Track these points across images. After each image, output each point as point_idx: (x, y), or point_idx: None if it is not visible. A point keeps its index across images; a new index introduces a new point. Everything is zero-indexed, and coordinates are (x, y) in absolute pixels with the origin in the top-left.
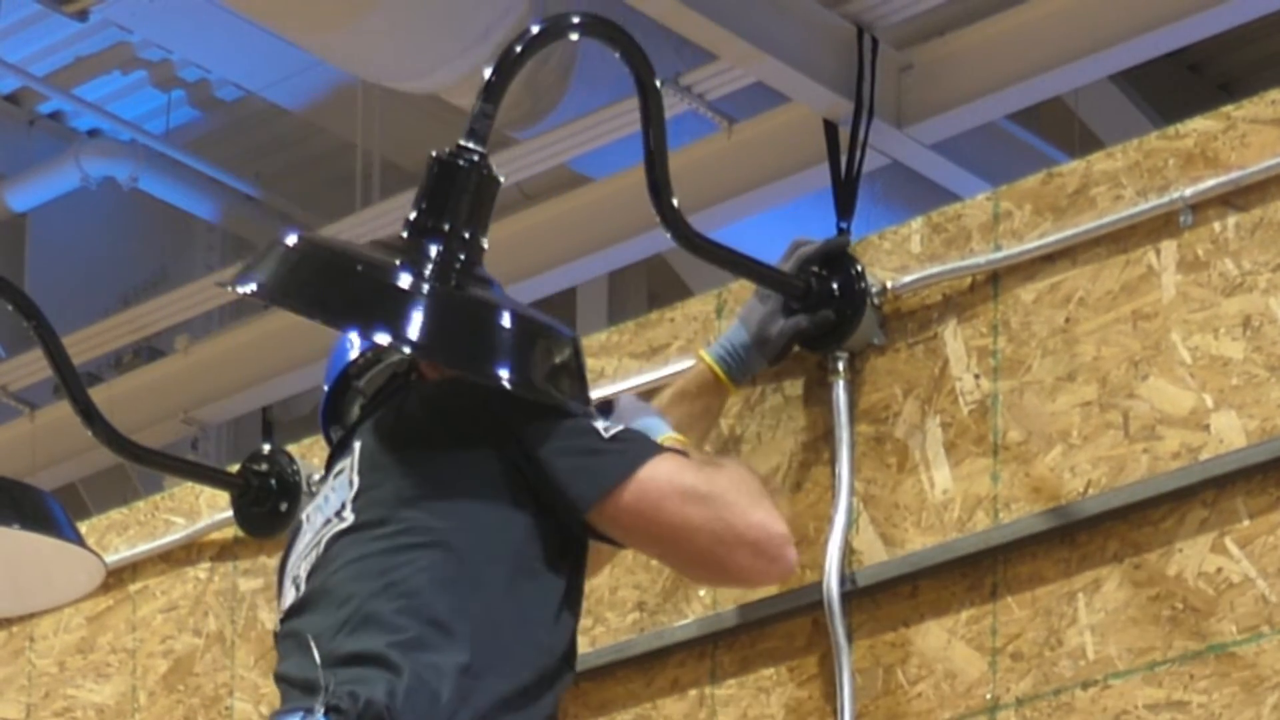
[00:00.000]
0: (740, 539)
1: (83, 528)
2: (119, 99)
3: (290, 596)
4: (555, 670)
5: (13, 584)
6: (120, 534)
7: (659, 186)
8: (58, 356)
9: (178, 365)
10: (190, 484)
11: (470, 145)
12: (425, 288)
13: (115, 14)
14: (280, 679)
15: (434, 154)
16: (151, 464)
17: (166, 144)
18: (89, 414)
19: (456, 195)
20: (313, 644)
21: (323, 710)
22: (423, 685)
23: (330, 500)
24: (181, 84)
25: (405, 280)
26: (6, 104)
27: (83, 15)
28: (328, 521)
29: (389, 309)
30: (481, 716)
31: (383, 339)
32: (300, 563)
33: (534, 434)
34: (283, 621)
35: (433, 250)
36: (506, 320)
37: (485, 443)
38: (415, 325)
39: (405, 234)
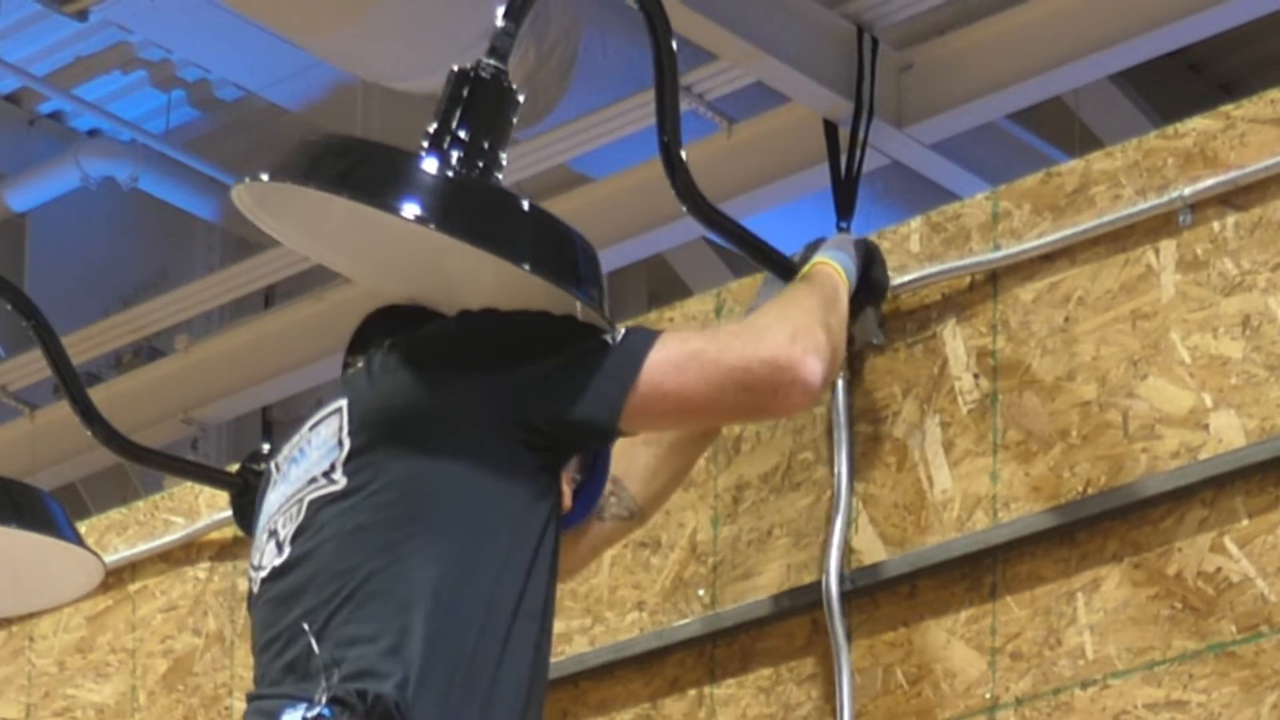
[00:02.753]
0: (756, 378)
1: (83, 528)
2: (119, 99)
3: (271, 555)
4: (546, 636)
5: (13, 584)
6: (120, 534)
7: (670, 148)
8: (58, 356)
9: (178, 365)
10: (190, 484)
11: (490, 61)
12: (451, 172)
13: (115, 14)
14: (265, 653)
15: (455, 67)
16: (151, 464)
17: (166, 144)
18: (89, 414)
19: (475, 106)
20: (307, 626)
21: (325, 701)
22: (434, 672)
23: (311, 456)
24: (181, 84)
25: (431, 164)
26: (6, 104)
27: (83, 15)
28: (313, 481)
29: (414, 186)
30: (491, 700)
31: (410, 212)
32: (279, 517)
33: (534, 370)
34: (264, 582)
35: (453, 154)
36: (531, 212)
37: (476, 393)
38: (441, 202)
39: (425, 144)
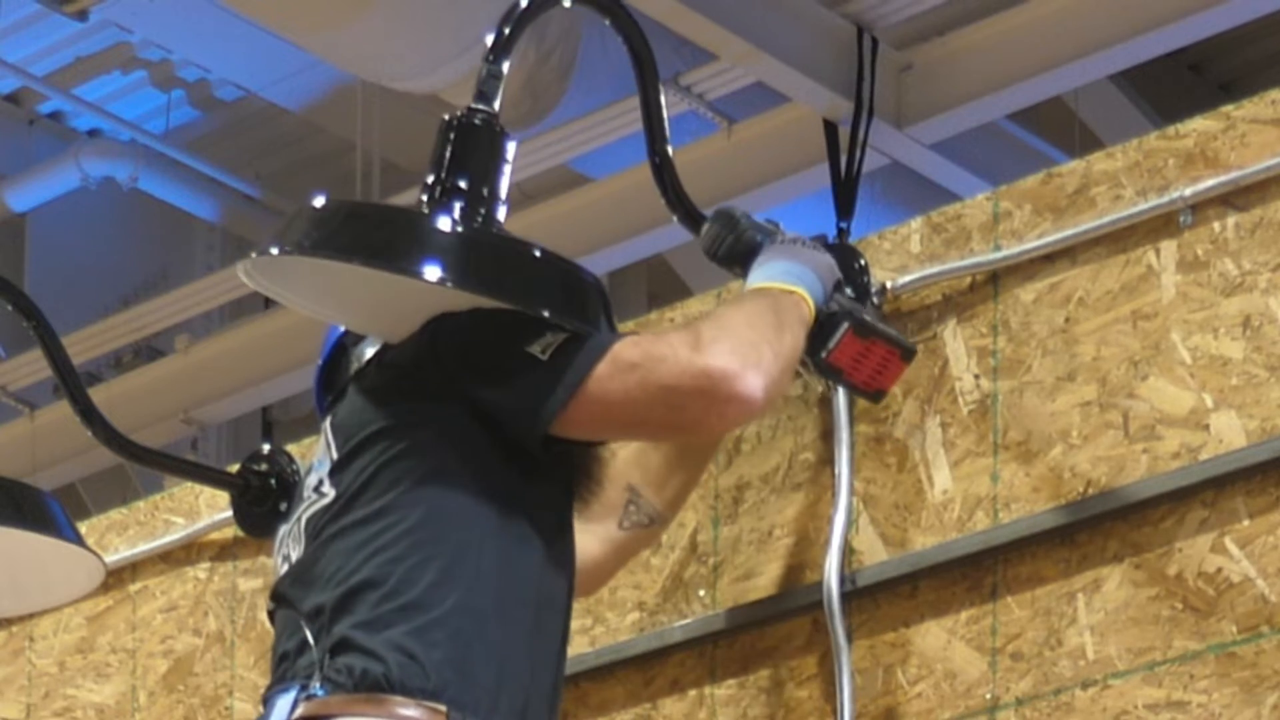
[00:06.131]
0: (686, 393)
1: (83, 528)
2: (119, 99)
3: (281, 573)
4: (552, 617)
5: (13, 584)
6: (120, 534)
7: (661, 166)
8: (58, 356)
9: (178, 365)
10: (190, 484)
11: (479, 106)
12: (462, 227)
13: (115, 14)
14: (274, 659)
15: (445, 117)
16: (151, 464)
17: (166, 144)
18: (89, 414)
19: (469, 155)
20: (304, 624)
21: (319, 682)
22: (417, 653)
23: (312, 474)
24: (181, 84)
25: (443, 222)
26: (6, 104)
27: (83, 15)
28: (308, 497)
29: (428, 246)
30: (479, 680)
31: (431, 274)
32: (288, 540)
33: (476, 374)
34: (271, 599)
35: (455, 205)
36: (542, 257)
37: (442, 396)
38: (459, 261)
39: (424, 198)
